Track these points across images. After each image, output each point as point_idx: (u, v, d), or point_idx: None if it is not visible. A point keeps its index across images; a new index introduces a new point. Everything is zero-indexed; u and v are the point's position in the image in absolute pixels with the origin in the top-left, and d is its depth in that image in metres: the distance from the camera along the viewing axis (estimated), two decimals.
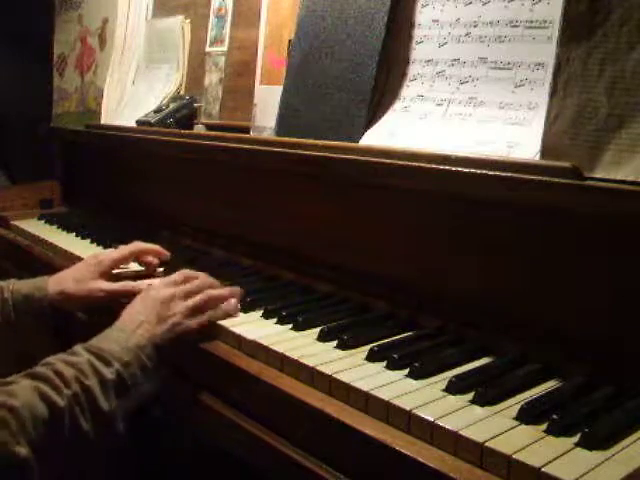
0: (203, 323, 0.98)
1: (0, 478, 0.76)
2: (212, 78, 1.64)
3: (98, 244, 1.53)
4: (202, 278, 1.06)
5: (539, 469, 0.62)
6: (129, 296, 1.07)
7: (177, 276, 1.05)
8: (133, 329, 0.93)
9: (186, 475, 1.28)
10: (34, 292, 1.14)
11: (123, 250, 1.25)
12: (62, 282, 1.16)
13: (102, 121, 1.97)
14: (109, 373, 0.86)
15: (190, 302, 0.99)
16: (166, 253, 1.29)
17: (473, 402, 0.75)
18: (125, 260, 1.25)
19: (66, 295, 1.14)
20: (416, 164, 0.96)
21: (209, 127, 1.62)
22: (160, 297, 0.99)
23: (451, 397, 0.77)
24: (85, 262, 1.22)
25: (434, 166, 0.93)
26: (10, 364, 1.10)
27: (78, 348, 0.89)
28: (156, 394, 0.93)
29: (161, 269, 1.28)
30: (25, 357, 1.10)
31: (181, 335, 0.96)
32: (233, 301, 1.04)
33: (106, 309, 1.14)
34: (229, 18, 1.61)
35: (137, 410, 0.90)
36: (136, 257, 1.27)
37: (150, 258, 1.27)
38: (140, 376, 0.89)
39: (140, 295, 1.01)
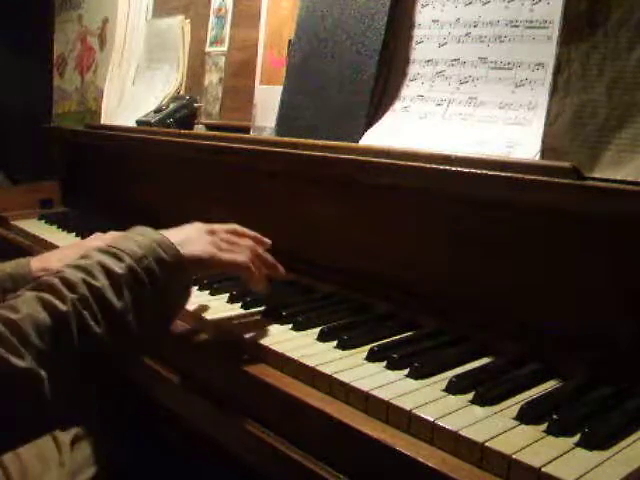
0: (234, 261, 0.95)
1: (6, 390, 0.73)
2: (212, 78, 1.64)
3: None
4: (251, 234, 1.03)
5: (539, 469, 0.62)
6: None
7: (228, 225, 1.02)
8: (152, 230, 0.90)
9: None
10: (17, 269, 1.15)
11: (106, 239, 1.25)
12: (45, 260, 1.18)
13: (102, 121, 1.97)
14: (119, 269, 0.82)
15: (230, 240, 0.97)
16: None
17: (473, 402, 0.75)
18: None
19: (48, 271, 1.12)
20: (416, 164, 0.96)
21: (209, 127, 1.62)
22: (205, 226, 0.97)
23: (451, 397, 0.77)
24: (72, 245, 1.26)
25: (434, 166, 0.93)
26: None
27: (91, 250, 0.87)
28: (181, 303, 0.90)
29: None
30: None
31: (207, 261, 0.92)
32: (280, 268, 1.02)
33: None
34: (229, 18, 1.61)
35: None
36: None
37: None
38: (158, 270, 0.84)
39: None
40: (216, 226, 0.98)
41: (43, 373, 0.73)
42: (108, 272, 0.81)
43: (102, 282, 0.80)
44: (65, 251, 1.22)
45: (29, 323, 0.75)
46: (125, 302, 0.81)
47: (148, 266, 0.84)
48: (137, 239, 0.87)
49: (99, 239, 1.25)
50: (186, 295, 0.91)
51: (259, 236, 1.03)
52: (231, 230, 1.00)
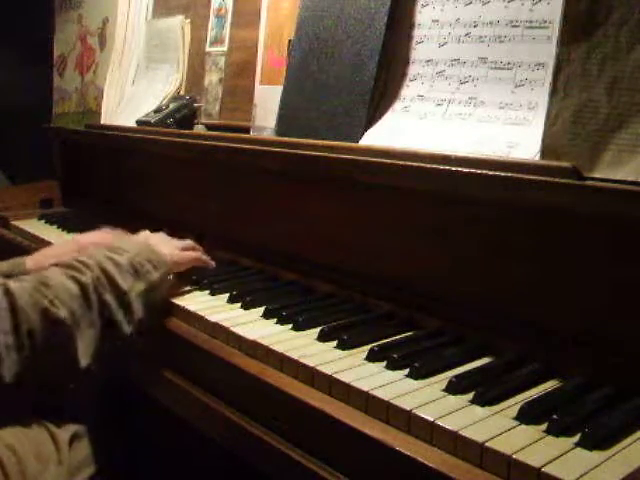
0: (193, 257, 1.21)
1: (48, 334, 0.92)
2: (212, 78, 1.64)
3: None
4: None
5: (539, 469, 0.62)
6: None
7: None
8: (135, 239, 1.17)
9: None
10: (13, 269, 1.18)
11: (101, 236, 1.32)
12: (41, 259, 1.22)
13: (102, 121, 1.97)
14: (122, 260, 1.03)
15: (183, 243, 1.22)
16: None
17: (473, 402, 0.75)
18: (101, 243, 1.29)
19: (43, 269, 1.16)
20: (416, 164, 0.96)
21: (209, 127, 1.62)
22: (160, 234, 1.23)
23: (451, 397, 0.77)
24: (65, 243, 1.32)
25: (434, 166, 0.93)
26: None
27: (92, 248, 1.10)
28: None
29: None
30: None
31: (178, 260, 1.16)
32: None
33: None
34: (229, 18, 1.61)
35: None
36: None
37: None
38: (147, 265, 1.05)
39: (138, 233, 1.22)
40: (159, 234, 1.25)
41: (73, 329, 0.93)
42: (113, 260, 1.03)
43: (110, 267, 1.01)
44: (59, 249, 1.26)
45: (61, 288, 0.95)
46: (128, 284, 1.01)
47: (141, 261, 1.05)
48: (127, 241, 1.13)
49: (91, 235, 1.33)
50: (167, 289, 1.12)
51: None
52: (165, 236, 1.25)
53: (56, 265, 1.01)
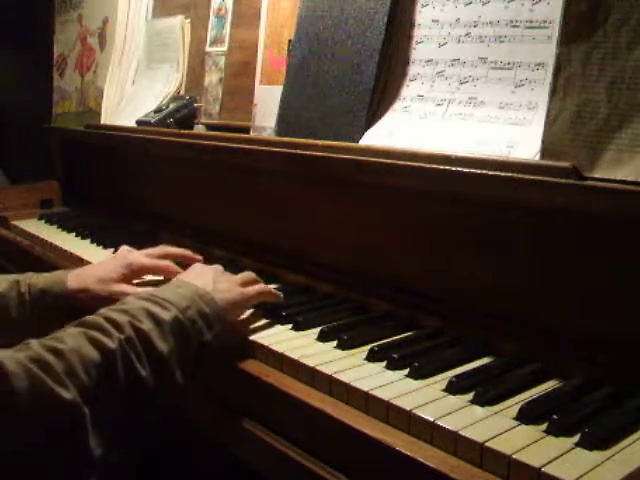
0: (255, 292, 1.00)
1: (50, 422, 0.71)
2: (212, 78, 1.64)
3: (98, 244, 1.52)
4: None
5: (539, 469, 0.62)
6: None
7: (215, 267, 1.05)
8: (188, 282, 0.92)
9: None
10: (52, 286, 1.07)
11: (152, 256, 1.16)
12: (85, 279, 1.09)
13: (102, 121, 1.97)
14: (166, 315, 0.83)
15: (239, 277, 1.01)
16: (198, 257, 1.20)
17: (473, 402, 0.75)
18: (154, 270, 1.15)
19: (88, 293, 1.07)
20: (416, 164, 0.96)
21: (209, 127, 1.62)
22: (213, 268, 1.01)
23: (451, 397, 0.77)
24: (114, 261, 1.14)
25: (434, 166, 0.93)
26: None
27: (130, 298, 0.87)
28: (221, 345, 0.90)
29: None
30: None
31: (236, 298, 0.95)
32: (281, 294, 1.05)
33: None
34: (229, 18, 1.61)
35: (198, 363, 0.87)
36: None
37: (174, 269, 1.16)
38: (200, 322, 0.86)
39: (189, 268, 1.02)
40: (213, 268, 1.02)
41: (86, 409, 0.71)
42: (154, 317, 0.82)
43: (148, 326, 0.81)
44: (106, 270, 1.11)
45: (76, 356, 0.74)
46: (170, 348, 0.81)
47: (192, 317, 0.85)
48: (178, 290, 0.89)
49: (142, 256, 1.16)
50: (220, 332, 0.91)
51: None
52: (220, 271, 1.03)
53: (78, 324, 0.80)
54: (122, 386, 0.76)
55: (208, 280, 0.95)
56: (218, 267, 1.03)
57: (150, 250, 1.18)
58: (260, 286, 1.02)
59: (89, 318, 0.81)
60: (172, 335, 0.82)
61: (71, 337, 0.76)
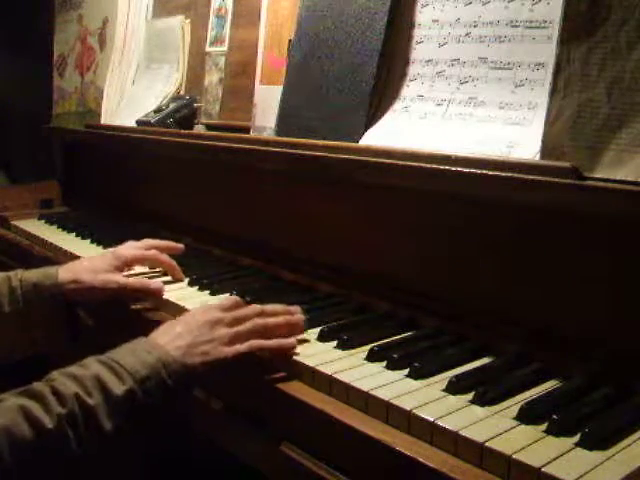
0: (240, 352, 0.87)
1: None
2: (212, 78, 1.64)
3: (98, 244, 1.53)
4: (252, 307, 0.95)
5: (539, 469, 0.62)
6: (143, 292, 1.12)
7: (227, 302, 0.95)
8: (162, 344, 0.84)
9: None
10: (44, 280, 1.08)
11: (139, 247, 1.23)
12: (75, 271, 1.11)
13: (102, 121, 1.97)
14: (119, 390, 0.76)
15: (233, 330, 0.89)
16: (179, 247, 1.28)
17: (473, 402, 0.75)
18: (143, 260, 1.24)
19: (80, 284, 1.10)
20: (416, 164, 0.96)
21: (209, 127, 1.62)
22: (206, 319, 0.89)
23: (451, 397, 0.77)
24: (103, 255, 1.19)
25: (434, 166, 0.93)
26: (24, 353, 1.10)
27: (90, 359, 0.81)
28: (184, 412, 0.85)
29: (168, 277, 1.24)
30: (36, 346, 1.09)
31: (214, 362, 0.85)
32: (291, 339, 0.91)
33: (115, 313, 1.16)
34: (229, 18, 1.61)
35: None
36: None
37: (163, 257, 1.24)
38: (157, 394, 0.79)
39: (189, 312, 0.95)
40: (213, 313, 0.91)
41: None
42: (105, 389, 0.76)
43: (96, 400, 0.75)
44: (95, 262, 1.15)
45: (4, 436, 0.69)
46: (116, 425, 0.75)
47: (149, 390, 0.78)
48: (142, 356, 0.81)
49: (131, 248, 1.22)
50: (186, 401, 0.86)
51: (257, 307, 0.96)
52: (232, 306, 0.94)
53: (18, 395, 0.74)
54: (53, 464, 0.73)
55: (189, 337, 0.85)
56: (224, 306, 0.93)
57: (135, 243, 1.25)
58: (258, 342, 0.89)
59: (36, 386, 0.76)
60: (121, 411, 0.76)
61: (7, 412, 0.71)
